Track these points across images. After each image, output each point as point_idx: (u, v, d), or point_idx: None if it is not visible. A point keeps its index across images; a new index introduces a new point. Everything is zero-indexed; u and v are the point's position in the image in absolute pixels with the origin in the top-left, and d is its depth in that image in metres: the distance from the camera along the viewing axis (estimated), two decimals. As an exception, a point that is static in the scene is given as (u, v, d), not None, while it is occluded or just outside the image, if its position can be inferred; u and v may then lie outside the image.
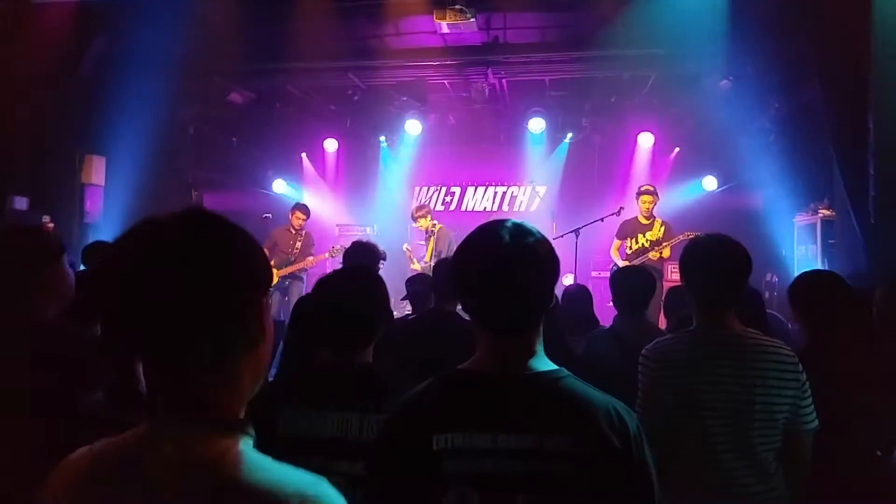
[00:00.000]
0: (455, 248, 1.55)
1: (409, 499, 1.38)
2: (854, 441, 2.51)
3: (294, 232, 8.19)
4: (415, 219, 8.28)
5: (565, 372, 1.44)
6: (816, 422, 2.21)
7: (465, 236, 1.53)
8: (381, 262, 4.28)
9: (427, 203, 8.52)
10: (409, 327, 3.71)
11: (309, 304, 2.58)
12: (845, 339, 2.75)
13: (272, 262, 7.98)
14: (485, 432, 1.36)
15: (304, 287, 8.18)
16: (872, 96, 5.84)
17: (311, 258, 8.04)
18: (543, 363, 1.44)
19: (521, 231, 1.45)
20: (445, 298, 3.65)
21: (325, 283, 2.12)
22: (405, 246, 8.62)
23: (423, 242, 8.46)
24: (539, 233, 1.48)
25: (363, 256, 4.02)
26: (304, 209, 8.29)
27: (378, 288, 2.11)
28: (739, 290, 2.31)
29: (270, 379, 3.01)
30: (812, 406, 2.21)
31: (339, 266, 8.60)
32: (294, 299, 7.80)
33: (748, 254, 2.31)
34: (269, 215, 8.30)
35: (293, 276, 8.05)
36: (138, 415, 1.04)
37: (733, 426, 2.15)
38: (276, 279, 7.92)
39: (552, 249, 1.48)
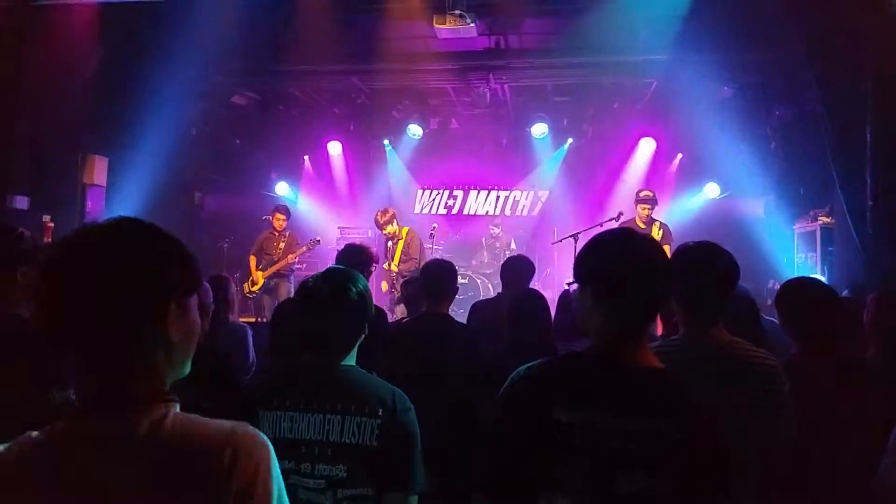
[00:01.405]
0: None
1: (530, 465, 1.55)
2: (836, 454, 2.49)
3: (277, 234, 8.25)
4: (381, 226, 7.69)
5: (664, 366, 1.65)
6: (794, 435, 2.19)
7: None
8: (374, 264, 4.29)
9: (389, 208, 7.97)
10: (401, 330, 3.72)
11: (291, 307, 2.59)
12: (832, 348, 2.74)
13: (259, 267, 8.05)
14: (608, 412, 1.54)
15: (292, 286, 8.22)
16: (870, 106, 5.85)
17: (288, 256, 8.09)
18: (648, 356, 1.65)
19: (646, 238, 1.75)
20: (437, 301, 3.66)
21: (306, 285, 2.12)
22: (383, 284, 8.06)
23: (389, 245, 7.86)
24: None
25: (355, 259, 4.04)
26: (284, 210, 8.35)
27: (358, 289, 2.10)
28: (726, 298, 2.27)
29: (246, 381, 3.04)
30: (793, 419, 2.19)
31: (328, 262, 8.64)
32: (282, 298, 7.81)
33: (735, 261, 2.28)
34: (268, 217, 8.34)
35: (278, 276, 8.11)
36: None
37: None
38: (261, 281, 7.98)
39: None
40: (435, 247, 9.45)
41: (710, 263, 2.27)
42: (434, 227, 9.40)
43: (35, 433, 1.11)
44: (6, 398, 1.87)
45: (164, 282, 1.13)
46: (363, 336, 2.14)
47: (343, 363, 2.07)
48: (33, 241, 2.14)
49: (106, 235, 1.12)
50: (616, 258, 1.68)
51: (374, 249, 4.45)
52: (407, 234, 7.71)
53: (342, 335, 2.08)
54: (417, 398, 2.83)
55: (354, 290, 2.08)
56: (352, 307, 2.07)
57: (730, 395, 2.13)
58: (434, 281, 3.68)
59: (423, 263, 6.53)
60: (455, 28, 6.24)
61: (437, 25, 6.34)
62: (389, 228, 7.67)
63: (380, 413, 1.96)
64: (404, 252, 7.59)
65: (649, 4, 6.49)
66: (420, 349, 3.42)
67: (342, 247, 4.37)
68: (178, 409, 1.13)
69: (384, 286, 7.91)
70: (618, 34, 7.87)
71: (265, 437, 1.13)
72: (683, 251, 2.36)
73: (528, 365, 1.68)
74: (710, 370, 2.16)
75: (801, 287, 2.97)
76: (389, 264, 7.67)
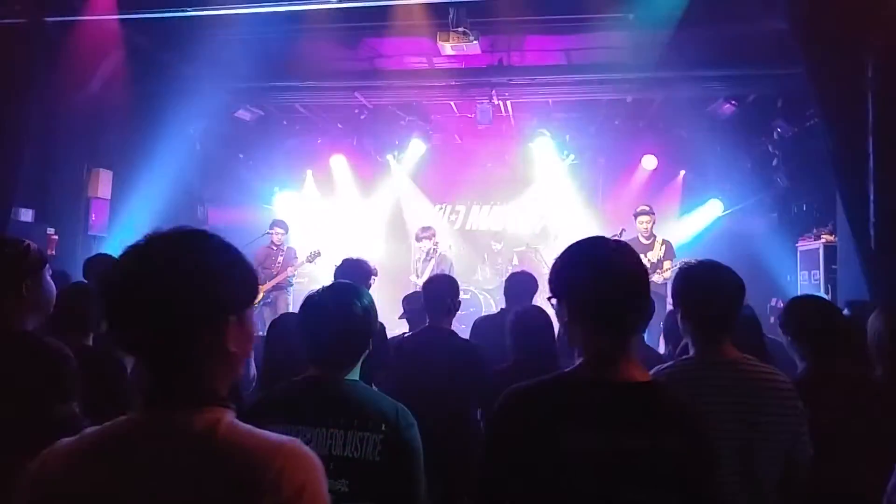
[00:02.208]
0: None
1: (529, 482, 1.53)
2: (848, 471, 2.48)
3: (275, 248, 8.26)
4: (419, 238, 8.49)
5: (656, 379, 1.64)
6: (811, 451, 2.20)
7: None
8: (373, 277, 4.29)
9: (431, 227, 8.78)
10: (402, 345, 3.72)
11: (287, 321, 2.59)
12: (839, 366, 2.73)
13: (258, 282, 8.06)
14: (601, 430, 1.52)
15: (290, 298, 8.27)
16: (871, 122, 5.86)
17: (288, 269, 8.11)
18: (639, 371, 1.62)
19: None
20: (439, 316, 3.66)
21: (310, 300, 2.12)
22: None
23: (423, 263, 8.61)
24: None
25: (353, 272, 4.05)
26: (281, 224, 8.40)
27: (364, 304, 2.10)
28: (734, 316, 2.29)
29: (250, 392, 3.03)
30: (808, 435, 2.19)
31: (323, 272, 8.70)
32: (281, 311, 7.90)
33: (741, 279, 2.29)
34: (270, 232, 8.35)
35: (277, 289, 8.11)
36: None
37: (735, 456, 2.11)
38: (261, 295, 7.99)
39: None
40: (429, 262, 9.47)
41: (716, 282, 2.28)
42: (450, 247, 9.63)
43: (89, 430, 1.16)
44: (11, 412, 1.87)
45: (227, 295, 1.19)
46: (367, 351, 2.14)
47: (347, 378, 2.06)
48: (39, 253, 2.14)
49: (175, 247, 1.18)
50: (587, 272, 1.64)
51: (372, 264, 4.45)
52: (440, 255, 8.41)
53: (346, 350, 2.07)
54: (420, 412, 2.83)
55: (359, 304, 2.08)
56: (357, 322, 2.07)
57: (746, 412, 2.14)
58: (437, 296, 3.68)
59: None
60: (458, 45, 6.28)
61: (440, 43, 6.38)
62: (426, 244, 8.37)
63: (383, 428, 1.96)
64: (434, 270, 8.15)
65: (651, 23, 6.52)
66: (423, 364, 3.42)
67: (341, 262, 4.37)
68: (234, 416, 1.17)
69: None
70: (619, 52, 7.94)
71: (316, 457, 1.16)
72: (688, 271, 2.37)
73: (518, 385, 1.65)
74: (726, 390, 2.17)
75: (806, 305, 2.97)
76: (418, 277, 8.22)
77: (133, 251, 1.17)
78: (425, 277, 7.78)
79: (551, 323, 3.49)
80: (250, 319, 1.25)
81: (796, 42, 6.19)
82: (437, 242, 8.56)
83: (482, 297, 9.58)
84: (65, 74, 6.63)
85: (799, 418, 2.18)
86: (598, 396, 1.57)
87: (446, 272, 7.86)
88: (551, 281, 1.71)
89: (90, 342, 2.90)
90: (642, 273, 1.67)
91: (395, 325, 9.71)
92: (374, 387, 3.56)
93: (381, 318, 2.24)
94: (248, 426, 1.16)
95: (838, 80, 5.96)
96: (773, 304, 9.24)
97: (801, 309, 2.93)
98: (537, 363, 3.21)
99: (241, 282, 1.22)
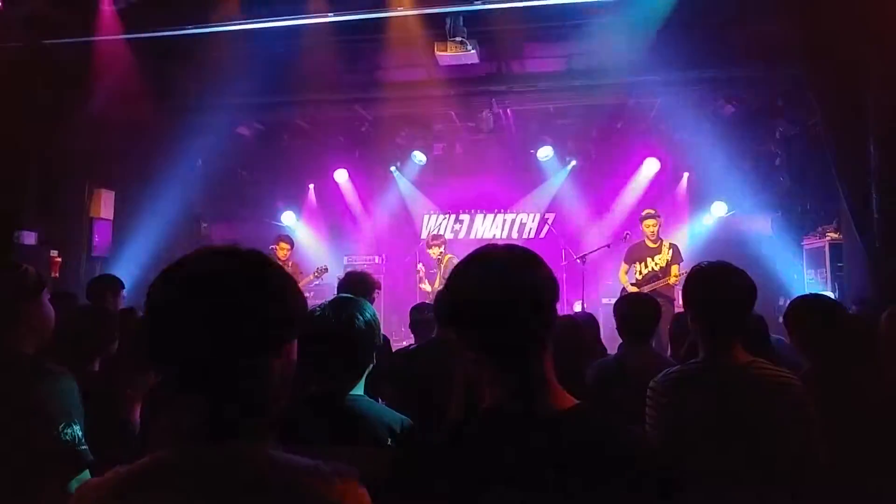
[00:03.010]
0: None
1: None
2: (857, 472, 2.45)
3: (280, 263, 8.21)
4: (429, 246, 8.75)
5: (589, 407, 1.33)
6: (820, 451, 2.17)
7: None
8: (376, 290, 4.27)
9: (442, 234, 9.23)
10: (409, 357, 3.69)
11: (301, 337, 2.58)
12: (844, 365, 2.70)
13: None
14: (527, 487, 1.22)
15: None
16: (872, 118, 5.85)
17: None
18: (563, 398, 1.32)
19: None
20: (447, 328, 3.62)
21: (313, 316, 2.10)
22: (419, 266, 9.21)
23: (434, 270, 8.83)
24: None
25: (357, 286, 4.04)
26: (286, 240, 8.36)
27: (366, 319, 2.09)
28: (744, 317, 2.28)
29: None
30: (819, 433, 2.17)
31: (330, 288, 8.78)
32: None
33: (752, 281, 2.28)
34: (275, 247, 8.34)
35: None
36: (114, 453, 1.08)
37: (746, 458, 2.10)
38: None
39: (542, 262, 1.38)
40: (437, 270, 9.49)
41: (727, 283, 2.27)
42: (441, 253, 9.49)
43: (122, 467, 1.09)
44: (16, 435, 1.86)
45: (289, 323, 1.15)
46: (372, 365, 2.13)
47: (351, 393, 2.05)
48: (38, 277, 2.13)
49: (225, 271, 1.12)
50: (469, 288, 1.35)
51: (376, 276, 4.45)
52: (447, 261, 8.49)
53: (350, 365, 2.07)
54: (428, 425, 2.80)
55: (362, 318, 2.08)
56: (360, 337, 2.06)
57: (757, 415, 2.13)
58: (444, 308, 3.63)
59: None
60: (456, 55, 6.29)
61: (438, 53, 6.39)
62: (434, 251, 8.62)
63: (389, 443, 1.95)
64: (443, 276, 8.34)
65: (648, 25, 6.51)
66: (431, 376, 3.38)
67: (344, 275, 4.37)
68: (279, 448, 1.13)
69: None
70: (617, 56, 7.93)
71: (364, 487, 1.13)
72: (700, 273, 2.36)
73: (421, 441, 1.42)
74: (735, 391, 2.16)
75: (809, 304, 2.96)
76: (432, 286, 8.59)
77: (190, 269, 1.12)
78: (438, 284, 8.11)
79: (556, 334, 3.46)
80: (294, 349, 1.20)
81: (796, 47, 6.19)
82: (442, 252, 8.67)
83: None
84: (64, 94, 6.65)
85: (809, 422, 2.16)
86: (530, 440, 1.26)
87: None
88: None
89: (96, 367, 2.88)
90: (538, 287, 1.34)
91: (402, 335, 9.81)
92: (379, 399, 3.57)
93: (386, 328, 2.23)
94: (296, 457, 1.11)
95: (838, 84, 5.95)
96: (780, 303, 9.19)
97: (804, 309, 2.95)
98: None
99: (300, 309, 1.20)
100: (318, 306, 2.14)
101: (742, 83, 8.24)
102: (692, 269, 2.42)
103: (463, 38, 6.18)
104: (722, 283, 2.27)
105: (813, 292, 5.49)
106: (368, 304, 2.18)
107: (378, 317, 2.21)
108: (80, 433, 1.93)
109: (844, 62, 5.91)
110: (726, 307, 2.25)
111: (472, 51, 6.30)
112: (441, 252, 8.63)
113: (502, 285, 1.30)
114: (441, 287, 7.87)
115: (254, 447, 1.09)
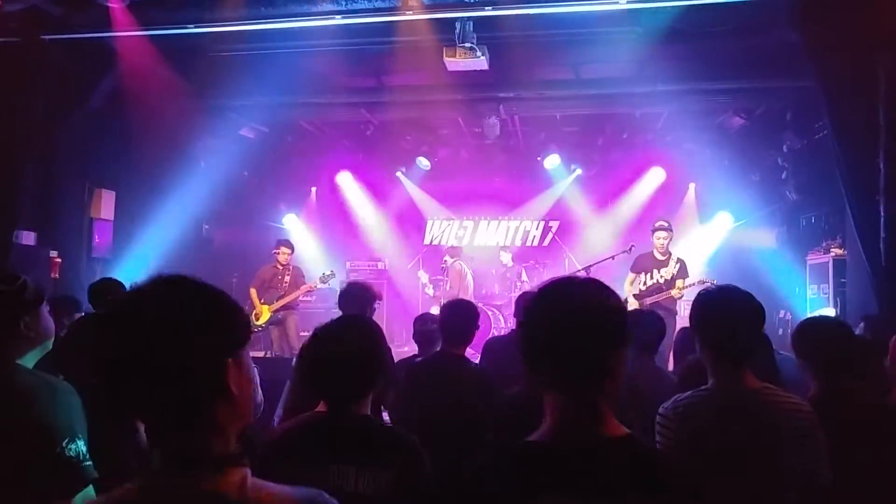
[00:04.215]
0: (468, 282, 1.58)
1: None
2: (862, 497, 2.43)
3: (281, 268, 8.11)
4: (448, 255, 9.57)
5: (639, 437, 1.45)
6: (830, 476, 2.17)
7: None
8: (377, 301, 4.24)
9: (461, 247, 10.23)
10: (414, 370, 3.64)
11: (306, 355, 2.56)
12: (851, 389, 2.68)
13: (261, 301, 7.99)
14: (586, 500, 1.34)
15: (298, 319, 8.21)
16: (883, 136, 5.81)
17: (301, 288, 8.03)
18: (616, 427, 1.43)
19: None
20: (453, 342, 3.58)
21: (321, 335, 2.09)
22: (420, 273, 9.90)
23: (440, 277, 9.46)
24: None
25: (358, 297, 4.05)
26: (287, 244, 8.25)
27: (374, 340, 2.09)
28: (753, 343, 2.26)
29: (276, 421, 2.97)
30: (828, 461, 2.16)
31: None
32: (292, 331, 7.99)
33: (761, 305, 2.26)
34: (277, 252, 8.27)
35: (286, 308, 8.01)
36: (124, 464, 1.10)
37: (757, 487, 2.09)
38: (268, 315, 7.92)
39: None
40: (446, 278, 9.48)
41: (737, 310, 2.24)
42: (445, 261, 9.65)
43: (98, 498, 1.13)
44: (18, 451, 1.80)
45: (219, 342, 1.14)
46: (377, 385, 2.10)
47: (357, 414, 2.04)
48: (37, 288, 2.08)
49: (156, 302, 1.13)
50: (546, 316, 1.43)
51: (379, 281, 4.42)
52: (452, 264, 9.28)
53: (356, 385, 2.05)
54: (432, 442, 2.77)
55: (368, 340, 2.08)
56: (365, 358, 2.05)
57: (766, 444, 2.11)
58: (455, 323, 3.60)
59: (460, 293, 8.58)
60: (466, 61, 6.23)
61: (447, 59, 6.33)
62: (447, 259, 9.27)
63: (396, 463, 1.94)
64: (452, 281, 9.17)
65: (658, 35, 6.48)
66: (434, 392, 3.35)
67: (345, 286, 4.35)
68: (249, 473, 1.14)
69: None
70: (627, 65, 7.91)
71: None
72: (708, 297, 2.33)
73: (482, 462, 1.48)
74: (744, 420, 2.14)
75: (818, 329, 2.93)
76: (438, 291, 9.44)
77: (115, 315, 1.13)
78: (449, 288, 8.71)
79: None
80: (248, 360, 1.20)
81: (807, 57, 6.15)
82: (454, 259, 9.18)
83: (491, 313, 9.49)
84: (64, 92, 6.58)
85: (818, 449, 2.15)
86: (580, 461, 1.37)
87: (458, 286, 8.64)
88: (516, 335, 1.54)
89: None
90: (612, 315, 1.43)
91: (403, 339, 9.81)
92: (383, 411, 3.52)
93: (388, 333, 2.19)
94: (267, 483, 1.14)
95: (849, 96, 5.92)
96: (781, 316, 9.16)
97: (814, 332, 2.90)
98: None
99: (230, 323, 1.18)
100: (322, 327, 2.13)
101: (752, 95, 8.21)
102: (700, 293, 2.39)
103: (473, 43, 6.11)
104: (730, 309, 2.25)
105: (822, 315, 5.45)
106: (374, 324, 2.20)
107: (382, 332, 2.21)
108: (83, 449, 1.87)
109: (856, 76, 5.87)
110: (735, 334, 2.22)
111: (482, 57, 6.24)
112: (450, 261, 9.17)
113: (579, 321, 1.38)
114: (450, 289, 8.76)
115: (221, 479, 1.10)
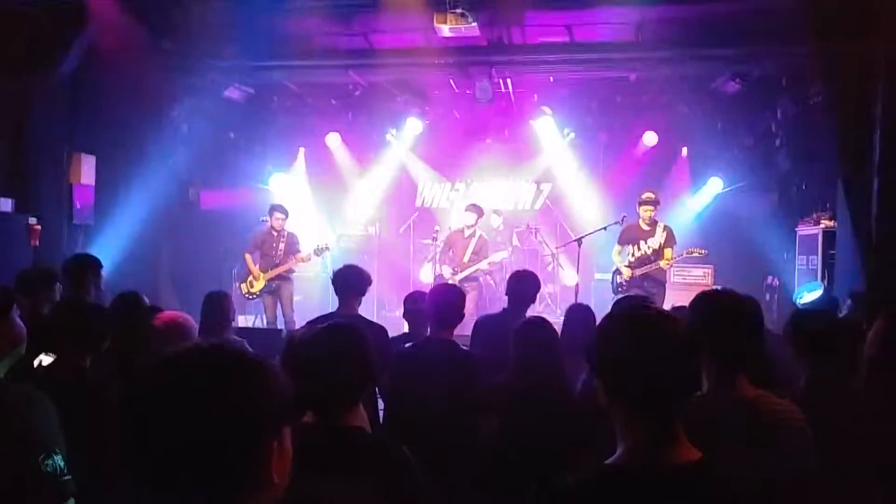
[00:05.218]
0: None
1: None
2: (851, 486, 2.46)
3: (276, 234, 7.96)
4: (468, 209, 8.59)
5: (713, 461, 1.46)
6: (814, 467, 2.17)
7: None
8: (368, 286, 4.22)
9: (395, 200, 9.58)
10: (404, 356, 3.61)
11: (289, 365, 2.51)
12: (840, 381, 2.72)
13: (258, 266, 7.88)
14: None
15: (293, 287, 8.11)
16: (880, 109, 5.74)
17: (296, 257, 7.90)
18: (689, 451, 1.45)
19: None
20: (441, 326, 3.54)
21: (305, 344, 2.05)
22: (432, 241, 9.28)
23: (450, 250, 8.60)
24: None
25: (351, 281, 4.08)
26: (282, 209, 8.05)
27: (361, 349, 2.05)
28: (751, 349, 2.23)
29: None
30: (814, 462, 2.15)
31: (327, 264, 8.64)
32: (286, 300, 7.89)
33: (760, 310, 2.25)
34: (269, 218, 8.12)
35: (280, 278, 7.89)
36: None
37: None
38: (263, 283, 7.83)
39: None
40: (436, 243, 9.36)
41: (735, 313, 2.21)
42: (436, 230, 9.64)
43: None
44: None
45: (266, 421, 1.04)
46: (366, 390, 2.06)
47: (345, 424, 2.00)
48: (6, 295, 2.02)
49: (196, 378, 1.02)
50: (627, 352, 1.45)
51: (370, 248, 4.39)
52: (479, 237, 8.43)
53: (343, 396, 2.02)
54: (420, 430, 2.75)
55: (355, 352, 2.04)
56: (352, 369, 2.01)
57: (757, 453, 2.08)
58: (443, 308, 3.56)
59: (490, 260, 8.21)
60: (456, 27, 6.05)
61: (437, 24, 6.14)
62: (468, 219, 8.45)
63: (384, 472, 1.93)
64: (474, 251, 8.30)
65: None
66: (422, 380, 3.33)
67: (339, 268, 4.32)
68: None
69: (446, 271, 8.36)
70: (622, 28, 7.74)
71: None
72: (706, 301, 2.30)
73: (561, 486, 1.47)
74: (737, 428, 2.10)
75: (813, 323, 2.95)
76: (462, 257, 8.30)
77: (149, 389, 1.03)
78: (467, 259, 8.20)
79: (556, 335, 3.41)
80: (288, 437, 1.09)
81: (804, 30, 6.03)
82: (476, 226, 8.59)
83: (481, 278, 9.44)
84: (35, 53, 6.33)
85: (808, 454, 2.14)
86: (663, 489, 1.40)
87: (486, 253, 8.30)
88: (589, 352, 1.55)
89: (87, 364, 2.76)
90: (686, 341, 1.51)
91: (394, 305, 9.71)
92: (377, 394, 3.51)
93: (380, 302, 2.10)
94: None
95: (846, 70, 5.82)
96: (768, 282, 9.21)
97: (808, 325, 2.90)
98: (538, 379, 3.17)
99: (277, 400, 1.07)
100: (309, 335, 2.09)
101: (747, 59, 8.08)
102: (697, 295, 2.35)
103: (464, 9, 5.92)
104: (729, 312, 2.21)
105: (816, 308, 5.48)
106: (361, 330, 2.14)
107: (365, 336, 2.15)
108: (61, 464, 1.81)
109: (854, 51, 5.77)
110: (733, 338, 2.17)
111: (473, 24, 6.05)
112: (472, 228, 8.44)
113: (659, 354, 1.43)
114: (469, 261, 8.17)
115: None
